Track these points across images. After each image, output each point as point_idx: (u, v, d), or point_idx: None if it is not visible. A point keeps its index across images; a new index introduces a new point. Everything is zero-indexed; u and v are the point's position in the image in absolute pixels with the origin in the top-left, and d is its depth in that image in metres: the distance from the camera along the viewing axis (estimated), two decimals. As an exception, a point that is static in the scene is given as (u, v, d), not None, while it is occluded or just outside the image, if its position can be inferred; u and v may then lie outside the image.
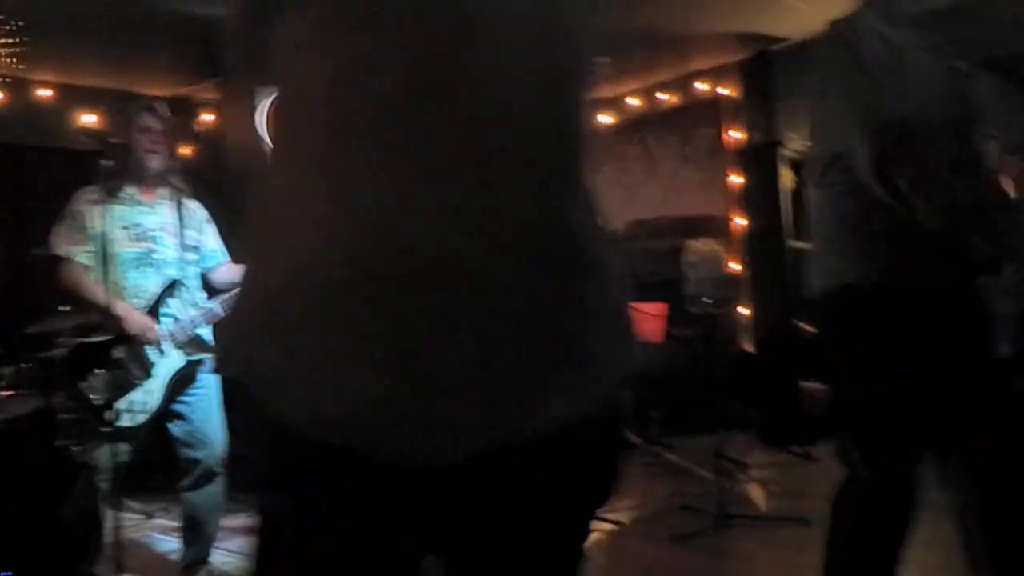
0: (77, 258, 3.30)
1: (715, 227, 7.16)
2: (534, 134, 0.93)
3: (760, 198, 6.60)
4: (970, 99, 2.00)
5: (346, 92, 0.91)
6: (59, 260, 3.34)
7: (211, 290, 3.54)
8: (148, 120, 3.35)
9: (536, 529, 0.98)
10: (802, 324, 6.55)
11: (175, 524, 3.65)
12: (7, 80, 6.18)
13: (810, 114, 2.08)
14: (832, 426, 2.13)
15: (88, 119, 6.49)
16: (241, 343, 0.97)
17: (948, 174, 1.86)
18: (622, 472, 1.08)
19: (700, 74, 7.35)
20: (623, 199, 7.85)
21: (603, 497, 1.04)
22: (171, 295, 3.33)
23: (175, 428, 3.34)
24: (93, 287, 3.26)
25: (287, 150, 0.98)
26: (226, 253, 3.55)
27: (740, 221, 7.06)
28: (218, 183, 1.05)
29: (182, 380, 3.30)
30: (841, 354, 2.11)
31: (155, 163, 3.36)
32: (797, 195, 6.68)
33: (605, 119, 8.05)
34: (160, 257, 3.34)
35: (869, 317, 1.99)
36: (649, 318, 6.13)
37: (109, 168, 3.25)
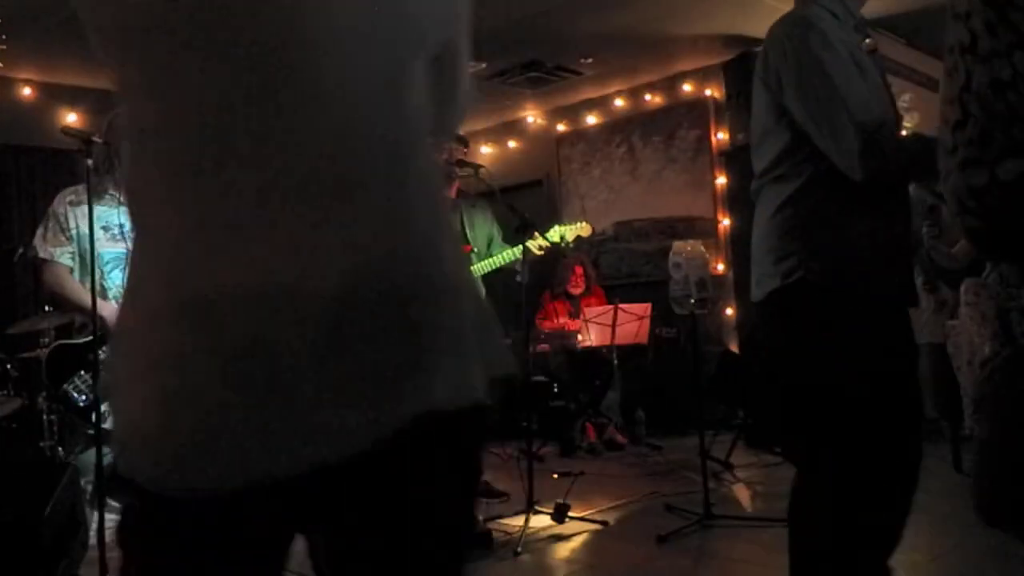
0: (60, 259, 3.28)
1: (700, 228, 7.20)
2: (362, 164, 0.94)
3: (745, 199, 6.61)
4: (895, 103, 2.05)
5: (175, 121, 0.93)
6: (43, 262, 3.32)
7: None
8: None
9: (395, 529, 0.99)
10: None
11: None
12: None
13: (768, 102, 2.04)
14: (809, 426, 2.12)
15: (70, 118, 6.45)
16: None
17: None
18: (474, 468, 1.08)
19: (685, 75, 7.39)
20: (608, 200, 7.88)
21: (458, 492, 1.05)
22: (155, 295, 3.31)
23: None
24: (77, 288, 3.24)
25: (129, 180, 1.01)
26: None
27: (725, 222, 7.09)
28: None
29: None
30: (785, 354, 2.12)
31: None
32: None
33: (591, 120, 8.07)
34: (143, 257, 3.32)
35: (813, 317, 2.00)
36: (634, 318, 6.16)
37: (93, 167, 3.23)
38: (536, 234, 4.51)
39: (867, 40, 2.05)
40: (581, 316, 6.38)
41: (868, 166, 1.85)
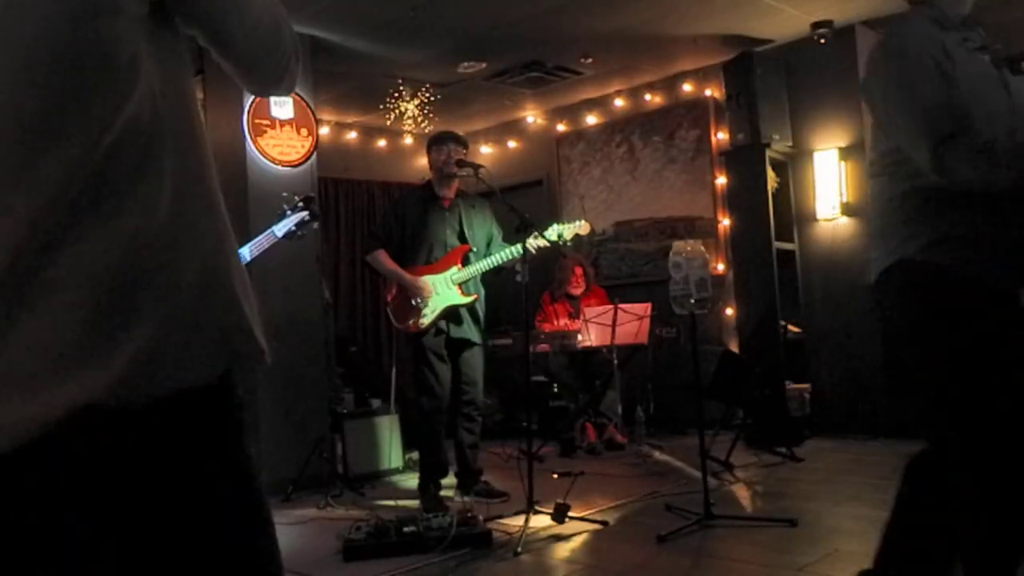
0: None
1: (700, 228, 7.19)
2: (26, 135, 0.86)
3: (745, 199, 6.62)
4: (1017, 92, 2.08)
5: None
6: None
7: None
8: None
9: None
10: (787, 324, 6.58)
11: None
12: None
13: (872, 113, 2.17)
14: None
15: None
16: None
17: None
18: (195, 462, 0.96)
19: (685, 75, 7.38)
20: (608, 200, 7.87)
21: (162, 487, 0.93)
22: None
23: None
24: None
25: None
26: None
27: (725, 222, 7.09)
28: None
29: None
30: (898, 331, 2.15)
31: None
32: (781, 196, 6.71)
33: (591, 120, 8.06)
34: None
35: (922, 293, 2.04)
36: (634, 318, 6.15)
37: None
38: (535, 233, 4.51)
39: (969, 38, 2.08)
40: (581, 316, 6.38)
41: (945, 170, 1.92)
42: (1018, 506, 2.00)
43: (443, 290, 4.75)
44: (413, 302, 4.74)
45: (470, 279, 4.79)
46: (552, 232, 4.72)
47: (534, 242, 4.53)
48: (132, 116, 0.92)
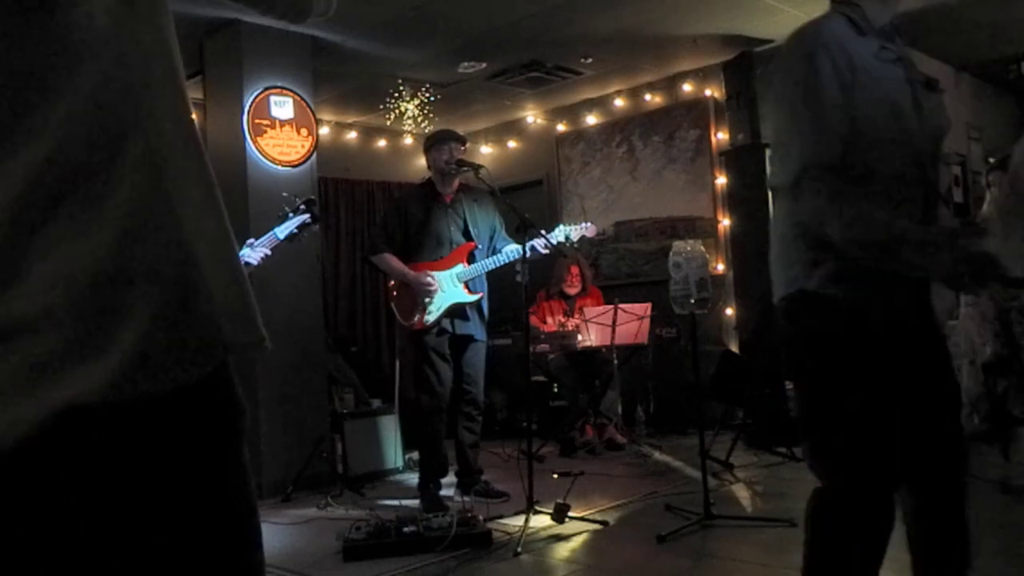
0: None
1: (700, 228, 7.19)
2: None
3: (745, 199, 6.62)
4: (929, 112, 1.98)
5: None
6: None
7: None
8: None
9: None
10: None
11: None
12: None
13: (763, 101, 2.08)
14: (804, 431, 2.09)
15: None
16: None
17: (873, 208, 1.83)
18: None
19: (685, 75, 7.38)
20: (608, 200, 7.88)
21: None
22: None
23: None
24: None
25: None
26: None
27: (725, 222, 7.09)
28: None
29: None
30: (795, 362, 2.11)
31: None
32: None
33: (591, 120, 8.06)
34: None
35: (824, 324, 1.97)
36: (634, 318, 6.15)
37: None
38: (542, 233, 4.52)
39: (887, 47, 1.99)
40: (580, 316, 6.38)
41: (799, 197, 1.89)
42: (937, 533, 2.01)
43: (449, 287, 4.75)
44: (419, 299, 4.74)
45: (476, 277, 4.80)
46: (559, 232, 4.73)
47: (540, 242, 4.54)
48: (102, 89, 0.84)
